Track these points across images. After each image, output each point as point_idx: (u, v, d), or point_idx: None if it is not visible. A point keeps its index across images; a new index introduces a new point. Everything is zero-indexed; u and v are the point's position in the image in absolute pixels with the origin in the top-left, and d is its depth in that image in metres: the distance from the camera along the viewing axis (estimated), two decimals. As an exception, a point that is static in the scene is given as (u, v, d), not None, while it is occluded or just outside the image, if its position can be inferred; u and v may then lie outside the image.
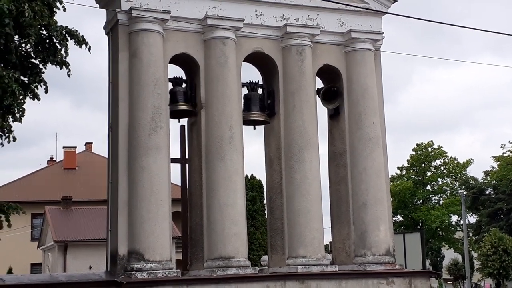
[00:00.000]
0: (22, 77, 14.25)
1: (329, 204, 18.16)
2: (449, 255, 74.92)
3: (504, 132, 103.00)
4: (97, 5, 16.87)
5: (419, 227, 64.30)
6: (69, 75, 14.83)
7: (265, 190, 18.69)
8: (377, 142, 17.61)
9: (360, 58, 17.87)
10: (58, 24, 14.46)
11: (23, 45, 14.30)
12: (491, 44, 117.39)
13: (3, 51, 13.55)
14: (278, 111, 17.32)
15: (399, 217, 66.83)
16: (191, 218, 16.89)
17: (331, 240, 21.19)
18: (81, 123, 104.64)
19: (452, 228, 67.15)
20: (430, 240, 66.26)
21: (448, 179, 67.75)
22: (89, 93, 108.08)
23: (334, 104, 18.14)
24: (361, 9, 17.87)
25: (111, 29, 16.46)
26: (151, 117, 15.53)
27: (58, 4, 14.50)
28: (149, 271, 14.88)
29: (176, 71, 17.26)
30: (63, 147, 58.83)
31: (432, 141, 67.32)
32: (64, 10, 14.62)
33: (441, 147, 67.35)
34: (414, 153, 67.47)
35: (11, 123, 14.26)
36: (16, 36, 13.73)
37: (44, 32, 14.40)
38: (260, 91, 17.73)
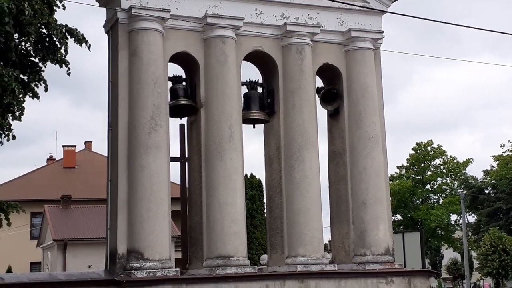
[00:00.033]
0: (21, 76, 14.25)
1: (329, 203, 18.17)
2: (448, 254, 74.87)
3: (503, 132, 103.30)
4: (97, 4, 16.83)
5: (418, 226, 64.24)
6: (68, 74, 14.87)
7: (264, 189, 18.67)
8: (376, 141, 17.61)
9: (360, 57, 17.86)
10: (58, 22, 14.47)
11: (23, 43, 14.32)
12: (491, 44, 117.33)
13: (3, 50, 13.55)
14: (277, 110, 17.31)
15: (398, 217, 66.85)
16: (190, 217, 16.88)
17: (330, 239, 21.19)
18: (80, 121, 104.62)
19: (452, 228, 67.19)
20: (430, 239, 66.26)
21: (448, 179, 67.72)
22: (89, 92, 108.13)
23: (333, 106, 18.13)
24: (361, 8, 17.88)
25: (111, 27, 16.44)
26: (151, 116, 15.51)
27: (58, 2, 14.52)
28: (148, 270, 14.87)
29: (176, 70, 17.28)
30: (63, 146, 58.85)
31: (431, 140, 67.43)
32: (64, 8, 14.63)
33: (441, 146, 67.39)
34: (413, 152, 67.45)
35: (10, 121, 14.27)
36: (16, 35, 13.73)
37: (44, 30, 14.41)
38: (260, 90, 17.72)
